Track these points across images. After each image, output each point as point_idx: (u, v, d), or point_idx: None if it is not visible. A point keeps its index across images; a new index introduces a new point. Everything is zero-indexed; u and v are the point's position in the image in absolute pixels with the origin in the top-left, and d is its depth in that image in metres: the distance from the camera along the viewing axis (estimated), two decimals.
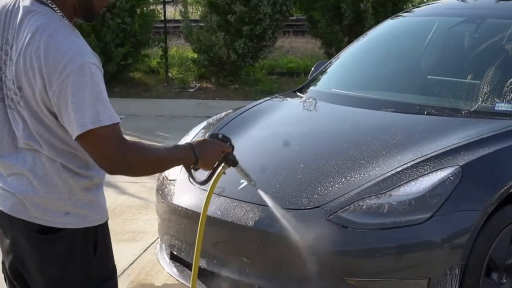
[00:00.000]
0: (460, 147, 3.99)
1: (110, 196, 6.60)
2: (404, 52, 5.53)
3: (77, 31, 2.50)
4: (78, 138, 2.39)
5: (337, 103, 4.92)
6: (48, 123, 2.47)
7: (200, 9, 12.70)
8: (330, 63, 5.68)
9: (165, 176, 4.53)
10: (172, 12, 17.31)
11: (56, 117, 2.44)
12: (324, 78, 5.50)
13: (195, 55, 12.57)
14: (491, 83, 4.64)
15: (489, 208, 3.73)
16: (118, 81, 11.99)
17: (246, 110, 5.12)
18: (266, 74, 12.99)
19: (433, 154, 3.93)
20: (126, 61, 11.87)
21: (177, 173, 4.43)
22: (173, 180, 4.45)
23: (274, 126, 4.78)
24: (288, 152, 4.36)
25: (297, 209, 3.79)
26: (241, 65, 12.15)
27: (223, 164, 2.85)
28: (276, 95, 5.83)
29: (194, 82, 12.64)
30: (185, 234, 4.22)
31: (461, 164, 3.81)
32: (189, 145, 2.66)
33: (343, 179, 3.88)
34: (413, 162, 3.88)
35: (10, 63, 2.47)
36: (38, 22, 2.42)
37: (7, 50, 2.48)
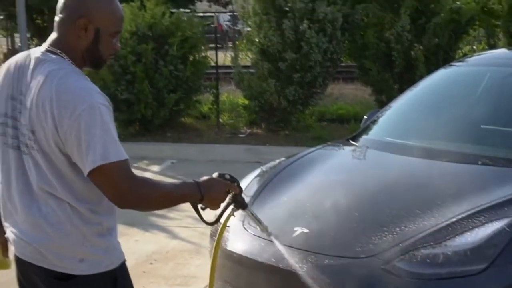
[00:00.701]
0: None
1: (162, 241, 6.70)
2: (457, 102, 5.53)
3: (86, 76, 2.63)
4: (90, 174, 2.48)
5: (391, 152, 4.94)
6: (59, 165, 2.56)
7: (250, 55, 12.84)
8: (383, 111, 5.71)
9: (220, 222, 4.58)
10: (222, 57, 17.52)
11: (67, 158, 2.54)
12: (377, 127, 5.53)
13: (246, 101, 12.69)
14: None
15: None
16: (170, 126, 12.16)
17: (299, 158, 5.17)
18: (316, 121, 13.03)
19: (488, 205, 3.92)
20: (178, 107, 12.03)
21: (232, 219, 4.48)
22: (228, 226, 4.49)
23: (328, 174, 4.81)
24: (342, 200, 4.38)
25: (352, 258, 3.80)
26: (292, 112, 12.22)
27: (232, 207, 2.91)
28: (329, 143, 5.87)
29: (244, 127, 12.74)
30: (238, 280, 4.26)
31: None
32: (195, 183, 2.72)
33: (398, 229, 3.89)
34: (468, 213, 3.87)
35: (24, 111, 2.59)
36: (49, 68, 2.56)
37: (21, 99, 2.61)
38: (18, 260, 2.74)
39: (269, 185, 4.79)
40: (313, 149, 5.41)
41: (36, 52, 2.66)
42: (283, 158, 5.37)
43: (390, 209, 4.08)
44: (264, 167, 5.29)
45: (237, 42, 14.06)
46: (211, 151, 11.06)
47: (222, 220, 2.99)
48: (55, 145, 2.53)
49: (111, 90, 11.21)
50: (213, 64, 13.18)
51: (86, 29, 2.61)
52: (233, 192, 2.88)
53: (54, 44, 2.65)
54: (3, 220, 2.80)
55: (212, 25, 17.46)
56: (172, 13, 12.52)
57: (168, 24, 11.96)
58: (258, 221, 3.14)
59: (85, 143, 2.46)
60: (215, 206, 2.85)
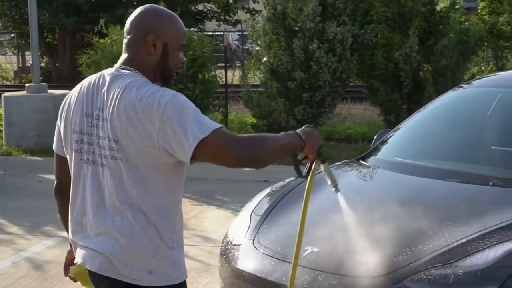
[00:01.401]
0: None
1: None
2: (467, 123, 5.55)
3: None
4: (196, 152, 2.58)
5: (401, 172, 4.96)
6: (145, 172, 2.67)
7: (259, 75, 12.90)
8: (393, 131, 5.74)
9: (230, 241, 4.60)
10: (230, 76, 17.58)
11: (156, 163, 2.66)
12: (387, 147, 5.55)
13: (255, 120, 12.73)
14: None
15: None
16: None
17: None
18: (324, 140, 13.05)
19: (499, 226, 3.93)
20: None
21: (242, 238, 4.51)
22: (238, 245, 4.51)
23: (337, 194, 4.81)
24: (352, 220, 4.39)
25: (362, 277, 3.81)
26: None
27: (316, 160, 3.03)
28: (339, 162, 5.88)
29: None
30: None
31: None
32: (296, 133, 2.86)
33: (408, 249, 3.90)
34: (479, 233, 3.88)
35: (103, 124, 2.71)
36: (126, 82, 2.71)
37: (98, 115, 2.73)
38: (89, 274, 2.81)
39: (279, 204, 4.81)
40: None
41: (110, 70, 2.82)
42: (292, 178, 5.38)
43: (401, 228, 4.09)
44: (274, 186, 5.31)
45: (246, 62, 14.11)
46: (220, 169, 11.01)
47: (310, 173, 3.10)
48: (146, 150, 2.64)
49: None
50: (221, 83, 13.24)
51: (155, 45, 2.79)
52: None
53: (126, 63, 2.82)
54: (71, 236, 2.89)
55: (221, 44, 17.55)
56: None
57: None
58: (332, 178, 3.25)
59: (181, 128, 2.58)
60: (312, 155, 2.98)
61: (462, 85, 6.35)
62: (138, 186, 2.68)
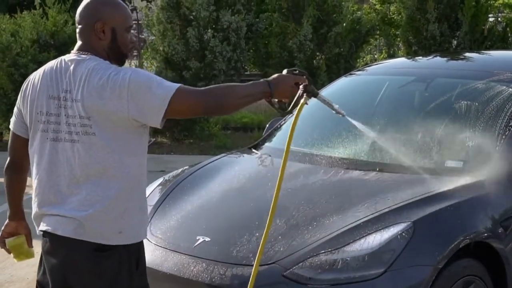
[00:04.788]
0: (411, 203, 4.08)
1: None
2: (356, 110, 5.62)
3: None
4: (167, 111, 2.90)
5: (292, 160, 4.97)
6: (117, 144, 2.96)
7: (155, 64, 12.80)
8: (284, 120, 5.77)
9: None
10: (126, 66, 17.34)
11: (131, 125, 2.95)
12: (278, 135, 5.58)
13: None
14: (441, 141, 4.76)
15: (440, 263, 3.81)
16: None
17: (202, 167, 5.17)
18: (221, 129, 13.07)
19: (385, 211, 4.01)
20: None
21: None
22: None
23: (230, 182, 4.83)
24: (243, 209, 4.41)
25: (253, 266, 3.83)
26: (196, 120, 12.23)
27: (305, 95, 3.15)
28: (232, 151, 5.90)
29: (149, 137, 12.65)
30: None
31: (413, 220, 3.89)
32: (265, 81, 3.12)
33: (298, 236, 3.94)
34: (366, 219, 3.96)
35: (72, 104, 2.96)
36: (92, 64, 2.98)
37: (65, 96, 2.99)
38: (58, 240, 2.98)
39: (171, 193, 4.78)
40: (215, 157, 5.43)
41: (70, 56, 3.06)
42: (186, 167, 5.36)
43: (290, 216, 4.12)
44: (167, 176, 5.27)
45: (142, 51, 13.98)
46: None
47: (296, 109, 3.22)
48: (118, 123, 2.93)
49: (11, 100, 10.98)
50: None
51: (104, 31, 3.06)
52: (303, 83, 3.16)
53: (82, 49, 3.07)
54: (37, 208, 3.08)
55: None
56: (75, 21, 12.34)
57: (71, 32, 11.80)
58: (331, 105, 3.40)
59: (148, 94, 2.89)
60: (286, 99, 3.19)
61: (353, 72, 6.45)
62: (111, 156, 2.95)
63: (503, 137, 4.59)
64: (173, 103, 2.90)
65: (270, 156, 5.20)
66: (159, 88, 2.90)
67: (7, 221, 3.36)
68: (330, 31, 12.35)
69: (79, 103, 2.94)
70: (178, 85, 2.95)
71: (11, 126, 3.23)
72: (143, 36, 28.61)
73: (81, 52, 3.06)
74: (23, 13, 12.07)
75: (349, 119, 3.64)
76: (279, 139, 5.53)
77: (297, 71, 3.20)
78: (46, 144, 3.03)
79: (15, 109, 3.19)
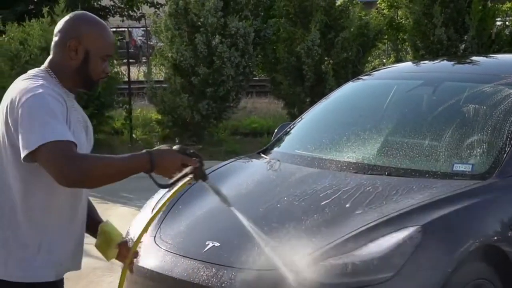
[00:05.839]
0: (421, 207, 4.08)
1: None
2: (364, 114, 5.65)
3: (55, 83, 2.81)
4: (29, 156, 2.59)
5: (301, 164, 5.01)
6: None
7: (163, 70, 12.84)
8: (293, 124, 5.79)
9: (131, 239, 4.55)
10: (135, 72, 17.39)
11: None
12: (287, 140, 5.59)
13: (159, 116, 12.65)
14: (449, 144, 4.76)
15: (450, 266, 3.81)
16: None
17: (211, 172, 5.17)
18: (230, 135, 13.09)
19: (395, 214, 4.01)
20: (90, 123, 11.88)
21: (143, 236, 4.45)
22: (140, 242, 4.46)
23: (238, 187, 4.83)
24: (252, 214, 4.41)
25: (263, 270, 3.84)
26: (205, 126, 12.26)
27: (191, 176, 2.82)
28: (241, 157, 5.90)
29: (158, 142, 12.69)
30: None
31: (422, 223, 3.89)
32: (147, 153, 2.74)
33: (307, 241, 3.94)
34: (376, 222, 3.96)
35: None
36: (22, 78, 2.80)
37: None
38: None
39: (180, 199, 4.78)
40: (224, 163, 5.43)
41: (30, 72, 2.84)
42: None
43: (299, 221, 4.13)
44: None
45: (150, 57, 14.02)
46: None
47: (177, 185, 2.90)
48: (8, 141, 2.69)
49: None
50: (125, 79, 13.10)
51: (76, 51, 2.81)
52: (193, 166, 2.81)
53: (48, 63, 2.86)
54: None
55: (124, 40, 17.36)
56: None
57: None
58: (220, 194, 3.11)
59: (28, 125, 2.60)
60: (167, 176, 2.82)
61: (361, 77, 6.45)
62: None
63: None
64: (37, 154, 2.58)
65: (279, 161, 5.20)
66: (38, 129, 2.59)
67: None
68: (338, 36, 12.36)
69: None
70: (55, 137, 2.58)
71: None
72: (151, 43, 28.69)
73: (42, 68, 2.86)
74: (32, 21, 12.12)
75: (235, 211, 3.30)
76: (288, 144, 5.54)
77: (191, 152, 2.86)
78: None
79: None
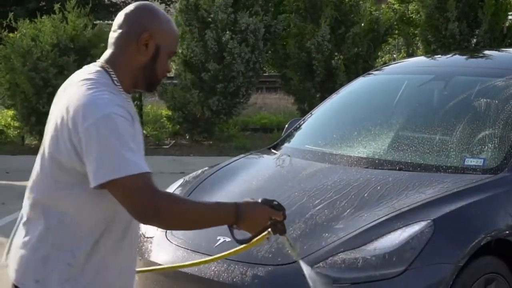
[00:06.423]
0: (432, 201, 4.08)
1: None
2: (375, 109, 5.64)
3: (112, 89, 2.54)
4: (103, 186, 2.41)
5: (311, 159, 5.01)
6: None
7: (174, 66, 12.84)
8: (303, 120, 5.79)
9: (142, 234, 4.57)
10: None
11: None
12: (298, 135, 5.59)
13: (170, 112, 12.67)
14: (460, 139, 4.76)
15: (461, 261, 3.81)
16: None
17: (221, 168, 5.19)
18: (240, 130, 13.09)
19: (406, 209, 4.02)
20: None
21: (154, 230, 4.47)
22: (151, 237, 4.48)
23: (249, 183, 4.83)
24: None
25: (274, 265, 3.85)
26: (215, 122, 12.26)
27: (269, 230, 2.68)
28: (251, 152, 5.91)
29: (168, 139, 12.72)
30: None
31: (433, 218, 3.89)
32: (234, 205, 2.57)
33: (319, 235, 3.95)
34: (387, 217, 3.96)
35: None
36: (79, 78, 2.57)
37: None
38: None
39: (191, 194, 4.80)
40: (234, 158, 5.44)
41: (85, 69, 2.61)
42: (206, 168, 5.38)
43: (310, 216, 4.13)
44: (187, 177, 5.29)
45: None
46: None
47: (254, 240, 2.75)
48: (68, 154, 2.46)
49: (33, 103, 11.06)
50: None
51: (147, 45, 2.57)
52: (275, 218, 2.67)
53: (107, 59, 2.59)
54: None
55: None
56: (94, 25, 12.43)
57: (91, 36, 11.88)
58: (292, 247, 2.99)
59: (98, 152, 2.38)
60: (252, 231, 2.67)
61: (371, 72, 6.45)
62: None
63: None
64: (114, 185, 2.39)
65: (289, 156, 5.21)
66: (115, 157, 2.40)
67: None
68: (348, 31, 12.33)
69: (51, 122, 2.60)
70: (137, 169, 2.40)
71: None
72: None
73: (98, 64, 2.60)
74: (43, 17, 12.14)
75: (301, 263, 3.06)
76: (298, 139, 5.55)
77: (276, 204, 2.68)
78: None
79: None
